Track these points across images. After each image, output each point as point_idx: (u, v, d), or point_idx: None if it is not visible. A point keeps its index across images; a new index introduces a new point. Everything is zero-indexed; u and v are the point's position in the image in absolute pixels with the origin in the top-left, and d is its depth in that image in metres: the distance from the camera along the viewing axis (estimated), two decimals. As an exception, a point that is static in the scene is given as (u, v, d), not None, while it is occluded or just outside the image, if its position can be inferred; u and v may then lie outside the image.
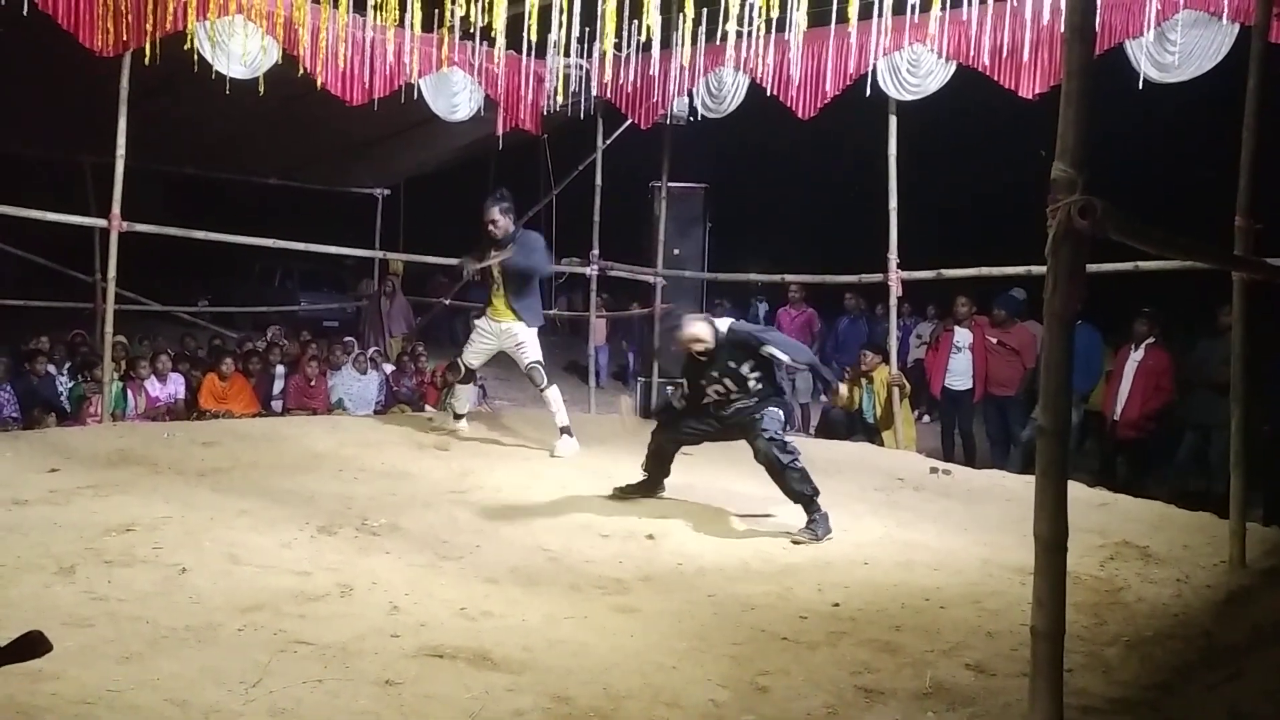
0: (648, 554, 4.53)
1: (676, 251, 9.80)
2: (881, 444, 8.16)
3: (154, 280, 13.12)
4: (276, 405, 9.61)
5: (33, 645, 1.57)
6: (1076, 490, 4.46)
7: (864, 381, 8.74)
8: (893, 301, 8.04)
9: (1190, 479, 7.31)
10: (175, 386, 9.13)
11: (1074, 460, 6.47)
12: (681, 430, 5.46)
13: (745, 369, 5.18)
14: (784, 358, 5.19)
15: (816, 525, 4.89)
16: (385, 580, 3.90)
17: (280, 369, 9.99)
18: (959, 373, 8.64)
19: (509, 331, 6.74)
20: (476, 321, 7.03)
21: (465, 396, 7.26)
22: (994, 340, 8.46)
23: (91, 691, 2.73)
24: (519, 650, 3.26)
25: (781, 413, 5.32)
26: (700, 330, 5.22)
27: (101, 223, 7.38)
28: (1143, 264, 6.39)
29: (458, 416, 7.17)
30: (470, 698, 2.89)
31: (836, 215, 16.35)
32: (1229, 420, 4.48)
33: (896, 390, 8.20)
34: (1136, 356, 7.75)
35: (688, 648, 3.39)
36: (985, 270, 7.67)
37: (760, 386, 5.20)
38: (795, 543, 4.79)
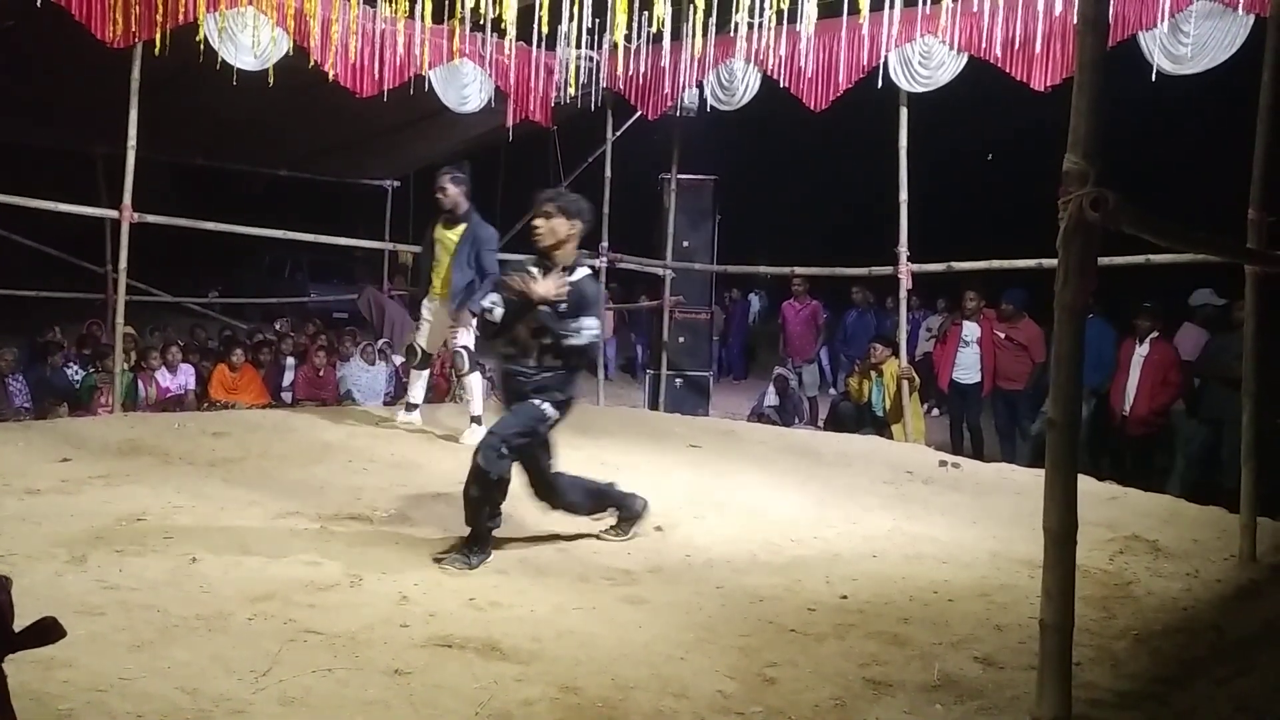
0: (656, 546, 4.53)
1: (686, 243, 9.78)
2: (891, 437, 8.15)
3: (164, 271, 13.16)
4: (287, 396, 9.65)
5: (46, 631, 1.57)
6: (1086, 484, 4.46)
7: (873, 374, 8.73)
8: (903, 294, 8.01)
9: (1201, 474, 7.27)
10: (186, 377, 9.18)
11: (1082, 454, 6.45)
12: None
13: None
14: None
15: (470, 553, 4.08)
16: (394, 570, 3.91)
17: (290, 360, 10.03)
18: (967, 366, 8.63)
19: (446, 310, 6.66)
20: (423, 304, 6.91)
21: (419, 384, 7.09)
22: (1002, 335, 8.43)
23: (103, 679, 2.75)
24: (528, 640, 3.27)
25: (541, 421, 4.18)
26: (556, 224, 4.18)
27: (113, 214, 7.40)
28: (1154, 257, 6.35)
29: (410, 407, 7.03)
30: (479, 687, 2.90)
31: (846, 208, 16.34)
32: (1241, 415, 4.46)
33: (906, 383, 8.19)
34: (1141, 351, 7.71)
35: (695, 639, 3.39)
36: (996, 263, 7.64)
37: (555, 361, 4.18)
38: (437, 560, 4.07)
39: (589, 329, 4.17)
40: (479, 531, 4.13)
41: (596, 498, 4.55)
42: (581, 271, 4.27)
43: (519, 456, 4.20)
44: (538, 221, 4.29)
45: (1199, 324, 8.21)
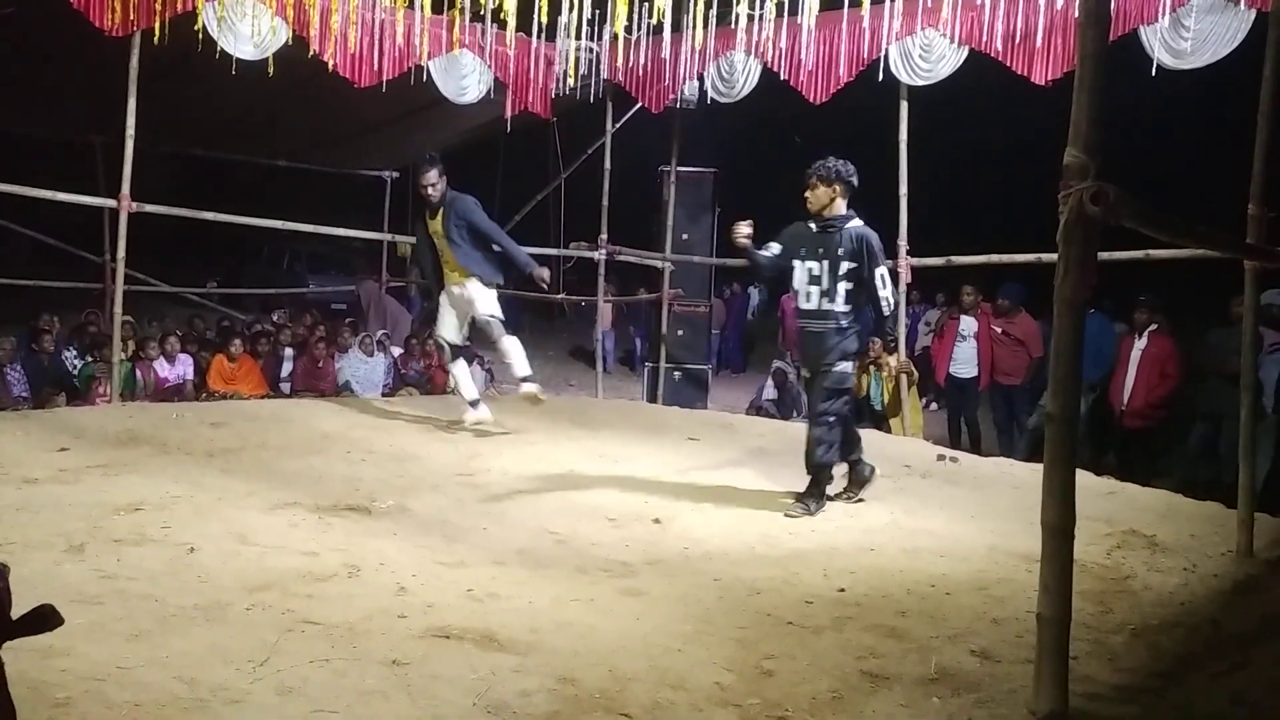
0: (654, 538, 4.53)
1: (685, 236, 9.77)
2: (889, 431, 8.15)
3: (163, 261, 13.13)
4: (285, 387, 9.64)
5: (44, 619, 1.57)
6: (1084, 479, 4.46)
7: (872, 369, 8.73)
8: (901, 288, 8.00)
9: (1200, 469, 7.28)
10: (184, 367, 9.17)
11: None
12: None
13: (844, 268, 4.93)
14: (886, 298, 4.97)
15: (810, 501, 5.00)
16: (392, 561, 3.91)
17: (288, 351, 10.02)
18: (964, 361, 8.64)
19: (467, 291, 6.53)
20: (440, 297, 6.77)
21: (462, 377, 6.80)
22: (999, 330, 8.44)
23: (101, 668, 2.75)
24: (525, 632, 3.27)
25: (851, 368, 5.07)
26: (817, 193, 4.97)
27: (111, 203, 7.39)
28: (1154, 252, 6.36)
29: (474, 404, 6.72)
30: (477, 678, 2.90)
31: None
32: (1239, 410, 4.46)
33: (904, 378, 8.18)
34: (1140, 345, 7.72)
35: (693, 631, 3.39)
36: (995, 257, 7.63)
37: (848, 307, 4.96)
38: (787, 515, 4.90)
39: (880, 286, 4.94)
40: (819, 484, 5.01)
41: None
42: (850, 226, 5.00)
43: (841, 420, 5.04)
44: (805, 194, 5.10)
45: (1266, 324, 8.18)
